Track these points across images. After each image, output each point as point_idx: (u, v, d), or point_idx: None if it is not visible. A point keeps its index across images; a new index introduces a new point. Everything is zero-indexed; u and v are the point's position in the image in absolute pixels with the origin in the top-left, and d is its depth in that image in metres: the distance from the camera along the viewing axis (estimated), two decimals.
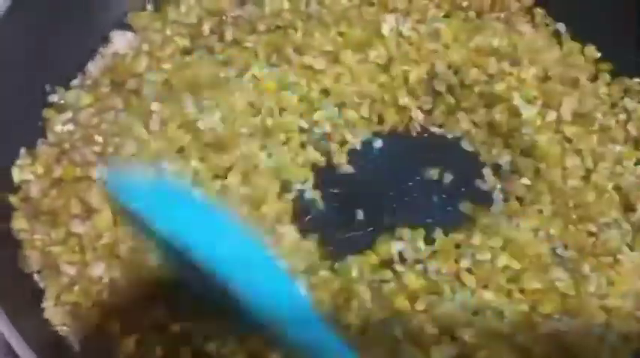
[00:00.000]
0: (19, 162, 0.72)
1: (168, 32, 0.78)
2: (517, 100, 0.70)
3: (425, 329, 0.59)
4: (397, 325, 0.60)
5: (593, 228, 0.65)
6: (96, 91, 0.76)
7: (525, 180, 0.69)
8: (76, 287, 0.64)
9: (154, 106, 0.71)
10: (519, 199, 0.68)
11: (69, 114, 0.74)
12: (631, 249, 0.65)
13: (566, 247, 0.65)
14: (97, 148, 0.71)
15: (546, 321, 0.60)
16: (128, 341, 0.61)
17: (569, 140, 0.70)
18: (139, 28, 0.80)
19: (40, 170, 0.71)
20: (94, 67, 0.78)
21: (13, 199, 0.70)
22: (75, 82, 0.78)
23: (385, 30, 0.74)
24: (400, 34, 0.75)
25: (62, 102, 0.75)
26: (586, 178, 0.69)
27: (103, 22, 0.80)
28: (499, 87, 0.71)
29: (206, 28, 0.79)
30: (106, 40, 0.80)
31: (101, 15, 0.79)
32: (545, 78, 0.73)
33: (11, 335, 0.57)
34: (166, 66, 0.75)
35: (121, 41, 0.79)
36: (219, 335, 0.61)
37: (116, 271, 0.64)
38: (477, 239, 0.65)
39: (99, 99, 0.75)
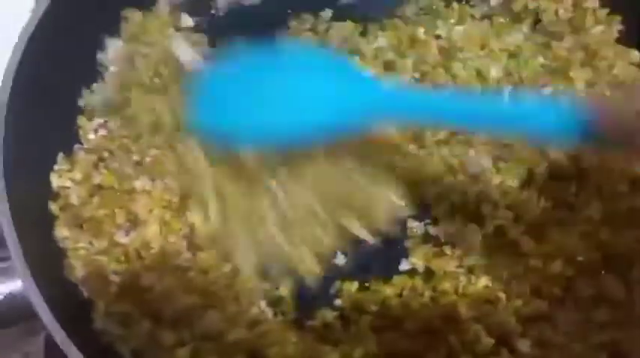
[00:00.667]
0: (56, 167, 0.71)
1: None
2: None
3: (480, 338, 0.60)
4: (452, 333, 0.61)
5: None
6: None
7: (572, 186, 0.68)
8: (126, 297, 0.64)
9: None
10: (568, 205, 0.67)
11: (100, 121, 0.73)
12: None
13: (617, 253, 0.65)
14: (135, 157, 0.71)
15: (601, 330, 0.60)
16: (182, 351, 0.61)
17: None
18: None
19: (78, 176, 0.70)
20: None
21: (53, 206, 0.69)
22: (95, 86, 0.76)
23: None
24: None
25: (89, 107, 0.74)
26: (634, 182, 0.68)
27: None
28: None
29: None
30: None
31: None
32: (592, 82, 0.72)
33: (64, 343, 0.56)
34: None
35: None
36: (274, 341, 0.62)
37: (168, 280, 0.63)
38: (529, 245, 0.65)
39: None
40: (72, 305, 0.64)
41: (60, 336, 0.56)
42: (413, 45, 0.75)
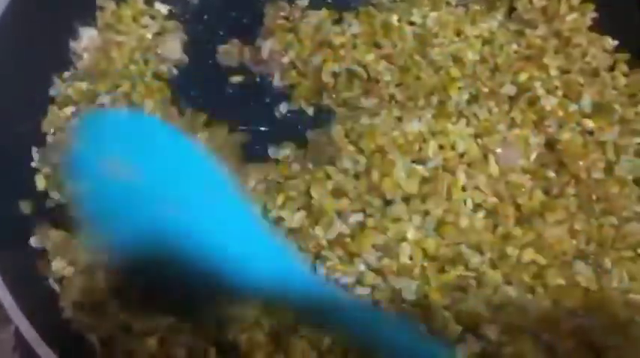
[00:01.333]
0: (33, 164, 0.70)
1: None
2: (539, 91, 0.69)
3: (449, 326, 0.59)
4: (421, 320, 0.60)
5: (614, 222, 0.65)
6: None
7: (550, 173, 0.68)
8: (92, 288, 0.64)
9: None
10: (546, 193, 0.67)
11: (72, 109, 0.73)
12: None
13: (588, 241, 0.64)
14: None
15: (570, 317, 0.60)
16: (151, 339, 0.61)
17: (590, 133, 0.70)
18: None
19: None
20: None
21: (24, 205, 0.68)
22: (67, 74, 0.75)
23: None
24: None
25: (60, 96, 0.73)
26: (608, 171, 0.68)
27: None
28: (522, 77, 0.70)
29: None
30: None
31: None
32: (565, 69, 0.72)
33: (29, 333, 0.56)
34: None
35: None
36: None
37: None
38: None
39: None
40: (39, 294, 0.64)
41: (24, 325, 0.56)
42: (387, 33, 0.75)
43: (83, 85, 0.74)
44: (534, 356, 0.58)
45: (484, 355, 0.59)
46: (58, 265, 0.65)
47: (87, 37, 0.77)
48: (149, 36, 0.78)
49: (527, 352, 0.58)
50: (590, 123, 0.70)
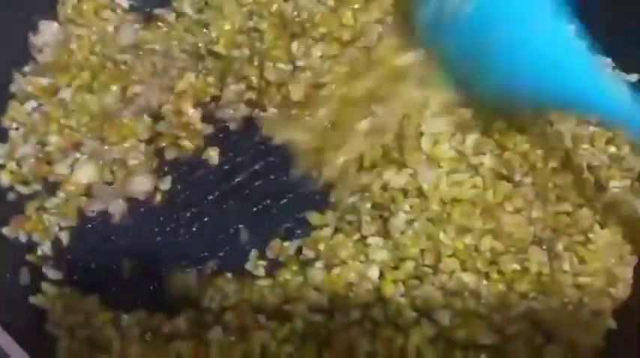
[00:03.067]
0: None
1: None
2: None
3: (403, 312, 0.61)
4: (377, 308, 0.62)
5: (569, 208, 0.67)
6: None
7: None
8: None
9: None
10: (507, 179, 0.68)
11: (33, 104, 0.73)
12: (602, 227, 0.67)
13: (544, 228, 0.66)
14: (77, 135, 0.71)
15: (522, 301, 0.62)
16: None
17: (550, 123, 0.71)
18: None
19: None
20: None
21: None
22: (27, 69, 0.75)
23: None
24: None
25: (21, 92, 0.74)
26: (565, 160, 0.70)
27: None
28: None
29: None
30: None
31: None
32: None
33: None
34: None
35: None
36: None
37: None
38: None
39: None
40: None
41: None
42: None
43: (43, 80, 0.74)
44: (485, 339, 0.60)
45: (438, 338, 0.61)
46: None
47: (47, 31, 0.77)
48: (110, 29, 0.79)
49: (478, 334, 0.60)
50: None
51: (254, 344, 0.60)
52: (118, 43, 0.77)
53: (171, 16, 0.77)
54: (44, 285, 0.66)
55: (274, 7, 0.75)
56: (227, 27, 0.74)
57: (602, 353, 0.63)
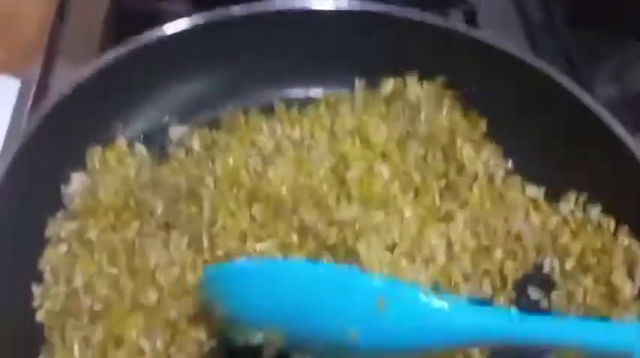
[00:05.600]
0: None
1: None
2: None
3: None
4: None
5: None
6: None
7: None
8: None
9: None
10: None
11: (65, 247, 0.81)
12: None
13: None
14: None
15: None
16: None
17: None
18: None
19: None
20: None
21: None
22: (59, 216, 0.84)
23: None
24: None
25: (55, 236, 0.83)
26: None
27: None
28: None
29: None
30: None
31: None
32: None
33: None
34: None
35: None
36: None
37: None
38: None
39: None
40: None
41: None
42: None
43: (73, 224, 0.83)
44: None
45: None
46: None
47: (77, 181, 0.87)
48: (132, 174, 0.89)
49: None
50: None
51: None
52: (137, 182, 0.87)
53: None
54: None
55: None
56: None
57: None
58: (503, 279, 0.77)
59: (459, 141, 0.83)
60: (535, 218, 0.81)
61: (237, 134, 0.89)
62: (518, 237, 0.80)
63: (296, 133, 0.87)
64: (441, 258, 0.74)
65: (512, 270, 0.78)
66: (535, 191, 0.85)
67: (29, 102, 0.97)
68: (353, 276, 0.61)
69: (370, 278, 0.61)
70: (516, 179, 0.86)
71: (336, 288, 0.58)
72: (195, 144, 0.88)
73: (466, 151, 0.83)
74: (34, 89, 0.99)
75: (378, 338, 0.57)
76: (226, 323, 0.64)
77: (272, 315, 0.59)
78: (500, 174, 0.85)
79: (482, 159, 0.84)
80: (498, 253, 0.78)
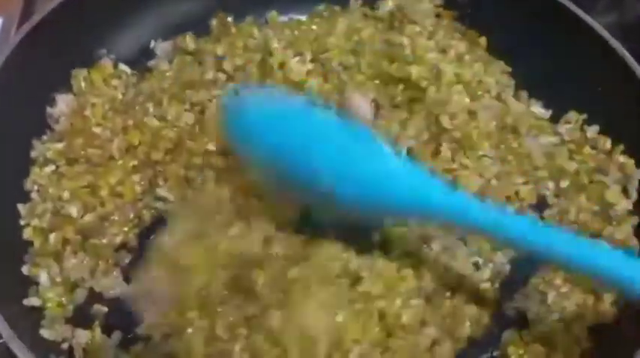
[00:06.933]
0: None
1: None
2: None
3: None
4: None
5: None
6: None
7: None
8: None
9: None
10: None
11: (52, 167, 0.80)
12: None
13: None
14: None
15: None
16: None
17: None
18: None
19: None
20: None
21: None
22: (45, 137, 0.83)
23: None
24: None
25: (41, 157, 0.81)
26: None
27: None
28: None
29: None
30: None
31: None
32: None
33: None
34: None
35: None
36: None
37: None
38: None
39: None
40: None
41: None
42: None
43: (59, 145, 0.81)
44: None
45: None
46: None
47: (63, 103, 0.85)
48: (119, 96, 0.87)
49: None
50: None
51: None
52: (123, 101, 0.85)
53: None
54: None
55: None
56: None
57: None
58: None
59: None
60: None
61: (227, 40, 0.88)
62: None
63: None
64: None
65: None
66: (540, 109, 0.85)
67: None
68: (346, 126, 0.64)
69: (358, 128, 0.65)
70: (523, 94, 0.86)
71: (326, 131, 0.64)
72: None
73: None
74: (16, 22, 0.96)
75: (352, 188, 0.61)
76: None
77: (274, 150, 0.64)
78: (509, 91, 0.86)
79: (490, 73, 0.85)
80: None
